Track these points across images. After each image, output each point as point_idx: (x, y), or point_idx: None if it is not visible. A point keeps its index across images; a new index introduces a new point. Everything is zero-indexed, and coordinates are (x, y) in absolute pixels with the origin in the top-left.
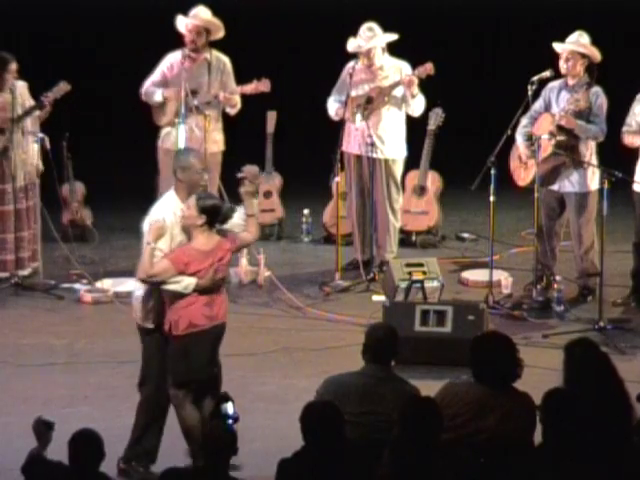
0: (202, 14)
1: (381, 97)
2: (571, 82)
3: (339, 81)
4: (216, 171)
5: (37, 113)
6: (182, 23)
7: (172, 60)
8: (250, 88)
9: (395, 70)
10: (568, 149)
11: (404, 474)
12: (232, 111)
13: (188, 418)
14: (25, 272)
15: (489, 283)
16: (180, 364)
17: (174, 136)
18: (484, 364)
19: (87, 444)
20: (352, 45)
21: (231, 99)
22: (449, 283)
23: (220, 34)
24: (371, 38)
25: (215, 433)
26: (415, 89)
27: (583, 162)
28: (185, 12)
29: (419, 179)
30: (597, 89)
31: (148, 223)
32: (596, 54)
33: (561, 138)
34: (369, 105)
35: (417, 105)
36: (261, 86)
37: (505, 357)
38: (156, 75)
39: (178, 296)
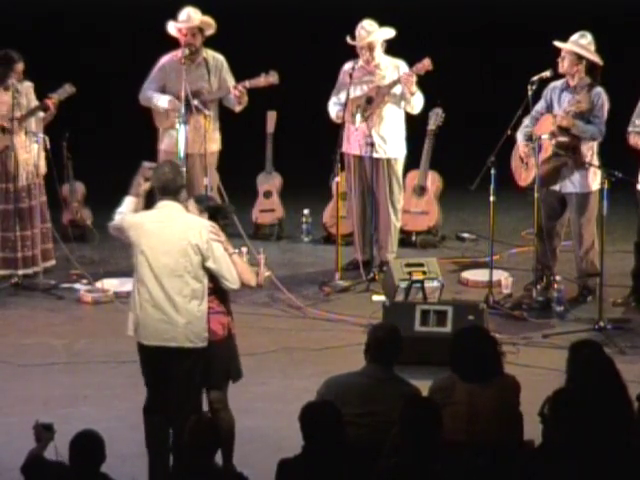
0: (194, 16)
1: (381, 96)
2: (572, 82)
3: (337, 83)
4: (214, 170)
5: (41, 115)
6: (174, 28)
7: (169, 63)
8: (260, 82)
9: (392, 68)
10: (570, 150)
11: (404, 475)
12: (239, 108)
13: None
14: (30, 270)
15: (489, 283)
16: (237, 361)
17: (175, 138)
18: (466, 360)
19: (88, 445)
20: (350, 41)
21: (244, 94)
22: (449, 283)
23: (213, 30)
24: (371, 33)
25: (197, 428)
26: (414, 86)
27: (584, 163)
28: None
29: (419, 179)
30: (599, 90)
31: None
32: (593, 56)
33: (562, 139)
34: (369, 105)
35: (416, 102)
36: (270, 78)
37: (487, 352)
38: (154, 79)
39: (224, 299)
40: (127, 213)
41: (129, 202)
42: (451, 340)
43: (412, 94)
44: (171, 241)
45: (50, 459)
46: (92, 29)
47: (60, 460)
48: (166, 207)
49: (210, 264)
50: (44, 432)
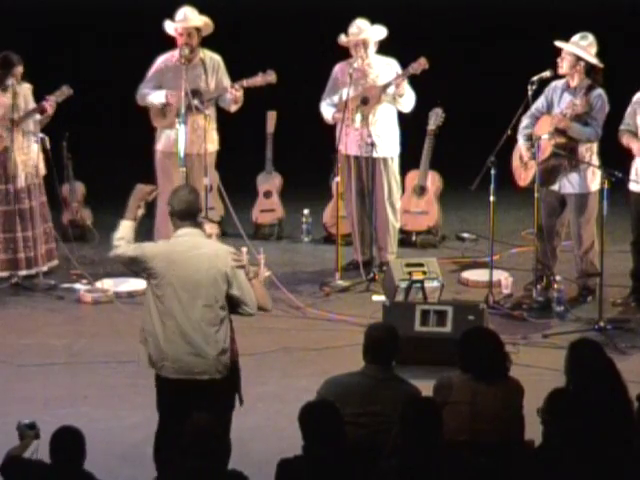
0: (190, 15)
1: (377, 96)
2: (572, 83)
3: (329, 83)
4: (214, 170)
5: (38, 117)
6: (172, 27)
7: (165, 62)
8: (257, 81)
9: (384, 67)
10: (567, 150)
11: (404, 475)
12: (234, 107)
13: None
14: (33, 271)
15: (489, 283)
16: None
17: (173, 138)
18: (476, 358)
19: (68, 441)
20: (344, 38)
21: (239, 94)
22: (449, 283)
23: (210, 30)
24: (365, 30)
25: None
26: (402, 88)
27: (582, 163)
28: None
29: (419, 179)
30: (599, 92)
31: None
32: (591, 58)
33: (560, 140)
34: (365, 105)
35: (407, 101)
36: (268, 77)
37: (495, 352)
38: (151, 78)
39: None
40: (128, 239)
41: (127, 227)
42: (462, 337)
43: (401, 96)
44: (200, 271)
45: (32, 458)
46: (92, 29)
47: (40, 459)
48: (188, 235)
49: (234, 291)
50: (26, 430)
